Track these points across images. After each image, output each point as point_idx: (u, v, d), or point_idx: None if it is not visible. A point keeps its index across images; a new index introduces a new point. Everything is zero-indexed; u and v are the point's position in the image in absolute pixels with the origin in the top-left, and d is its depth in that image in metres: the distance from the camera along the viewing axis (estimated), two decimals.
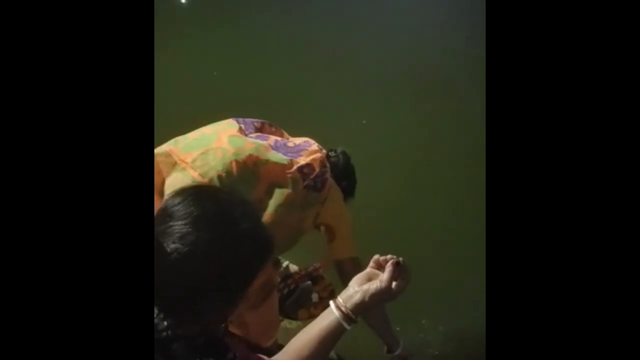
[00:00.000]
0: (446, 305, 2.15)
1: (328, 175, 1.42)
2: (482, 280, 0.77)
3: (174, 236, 0.76)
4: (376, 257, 0.95)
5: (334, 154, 1.57)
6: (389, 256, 0.93)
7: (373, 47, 3.60)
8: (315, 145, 1.45)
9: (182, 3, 4.05)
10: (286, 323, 2.03)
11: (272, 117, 1.58)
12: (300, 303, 1.65)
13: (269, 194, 1.32)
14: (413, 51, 3.55)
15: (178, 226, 0.76)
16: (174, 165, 1.32)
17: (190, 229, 0.76)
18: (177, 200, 0.80)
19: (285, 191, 1.31)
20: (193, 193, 0.83)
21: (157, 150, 1.36)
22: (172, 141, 1.38)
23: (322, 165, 1.41)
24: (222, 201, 0.83)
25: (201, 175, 1.27)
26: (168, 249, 0.75)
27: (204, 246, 0.76)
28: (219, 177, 1.27)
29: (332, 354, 1.85)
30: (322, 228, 1.49)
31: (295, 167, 1.35)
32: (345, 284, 1.60)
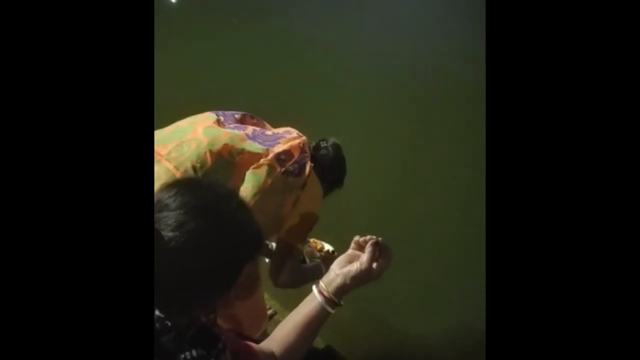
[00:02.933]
0: (445, 306, 2.16)
1: (307, 160, 1.41)
2: (482, 281, 0.77)
3: (171, 225, 0.75)
4: (356, 238, 0.95)
5: (324, 144, 1.55)
6: (368, 237, 0.93)
7: (372, 50, 3.61)
8: (295, 133, 1.44)
9: (172, 3, 4.04)
10: (279, 316, 2.05)
11: (270, 119, 1.57)
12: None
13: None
14: (414, 55, 3.56)
15: (175, 215, 0.76)
16: None
17: (187, 218, 0.76)
18: (172, 192, 0.79)
19: (262, 178, 1.30)
20: (188, 184, 0.84)
21: None
22: None
23: (302, 151, 1.39)
24: (218, 193, 0.83)
25: (176, 167, 1.27)
26: (165, 238, 0.74)
27: (201, 235, 0.76)
28: (194, 167, 1.26)
29: (318, 339, 1.86)
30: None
31: (271, 155, 1.34)
32: (275, 265, 1.44)
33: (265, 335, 1.53)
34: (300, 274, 1.52)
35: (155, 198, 0.80)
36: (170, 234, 0.75)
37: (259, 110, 1.59)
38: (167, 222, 0.75)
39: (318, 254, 1.70)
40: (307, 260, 1.67)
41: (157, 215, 0.76)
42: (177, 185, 0.82)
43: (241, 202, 0.84)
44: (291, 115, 1.61)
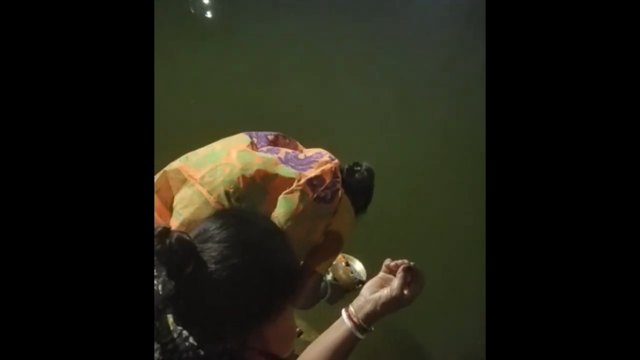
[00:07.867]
0: (447, 323, 2.15)
1: (339, 185, 1.39)
2: (483, 298, 0.76)
3: (215, 257, 0.77)
4: (387, 261, 0.92)
5: (358, 169, 1.53)
6: (399, 261, 0.90)
7: (386, 57, 3.61)
8: (326, 156, 1.43)
9: (192, 13, 4.10)
10: (305, 336, 2.04)
11: (282, 126, 1.58)
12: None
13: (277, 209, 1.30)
14: (426, 62, 3.55)
15: (219, 247, 0.78)
16: (184, 181, 1.32)
17: (231, 252, 0.77)
18: (218, 223, 0.81)
19: (294, 205, 1.29)
20: (234, 216, 0.86)
21: (167, 167, 1.38)
22: (183, 157, 1.39)
23: (334, 175, 1.38)
24: (263, 228, 0.85)
25: (209, 191, 1.27)
26: (208, 269, 0.76)
27: (243, 270, 0.77)
28: (226, 193, 1.27)
29: None
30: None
31: (303, 180, 1.33)
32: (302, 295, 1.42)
33: (293, 355, 1.54)
34: (317, 297, 1.53)
35: (201, 227, 0.82)
36: (213, 266, 0.76)
37: (276, 123, 1.60)
38: (211, 253, 0.77)
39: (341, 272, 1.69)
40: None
41: (201, 245, 0.78)
42: (224, 216, 0.83)
43: (284, 239, 0.86)
44: (306, 128, 1.60)
